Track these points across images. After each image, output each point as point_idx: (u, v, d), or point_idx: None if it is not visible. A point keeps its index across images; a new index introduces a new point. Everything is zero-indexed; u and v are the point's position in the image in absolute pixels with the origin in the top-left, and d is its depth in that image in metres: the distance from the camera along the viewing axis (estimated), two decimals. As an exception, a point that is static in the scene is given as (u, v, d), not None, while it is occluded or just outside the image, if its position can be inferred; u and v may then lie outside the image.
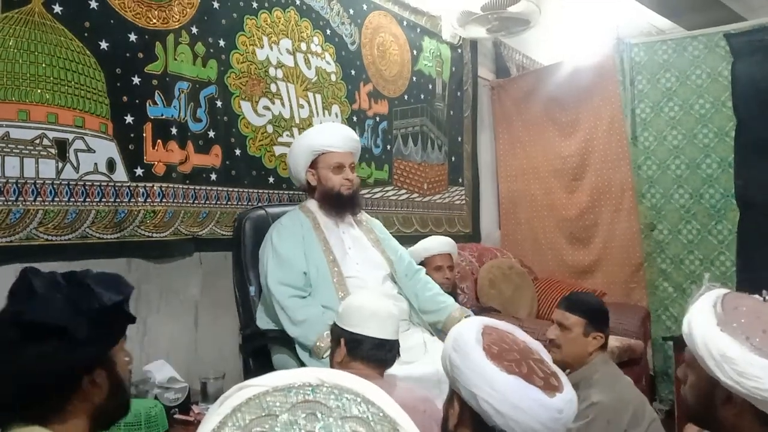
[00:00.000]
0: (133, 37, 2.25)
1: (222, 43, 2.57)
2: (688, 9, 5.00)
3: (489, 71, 4.43)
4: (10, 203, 1.92)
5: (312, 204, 2.42)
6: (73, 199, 2.07)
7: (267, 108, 2.76)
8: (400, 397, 1.37)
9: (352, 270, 2.28)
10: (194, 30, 2.46)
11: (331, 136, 2.40)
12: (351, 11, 3.23)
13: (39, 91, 2.00)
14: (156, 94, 2.31)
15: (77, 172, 2.09)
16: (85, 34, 2.12)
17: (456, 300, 2.60)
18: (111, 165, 2.18)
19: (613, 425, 1.84)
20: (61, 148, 2.05)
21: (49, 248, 1.99)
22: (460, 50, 4.06)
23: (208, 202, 2.50)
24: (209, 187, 2.51)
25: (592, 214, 3.98)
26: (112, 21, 2.20)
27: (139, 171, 2.25)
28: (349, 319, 1.72)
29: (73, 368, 1.06)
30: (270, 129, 2.77)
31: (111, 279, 1.14)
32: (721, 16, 4.70)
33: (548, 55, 4.64)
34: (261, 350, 2.31)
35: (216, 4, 2.56)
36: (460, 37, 3.98)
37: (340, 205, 2.38)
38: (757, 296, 1.15)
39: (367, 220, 2.55)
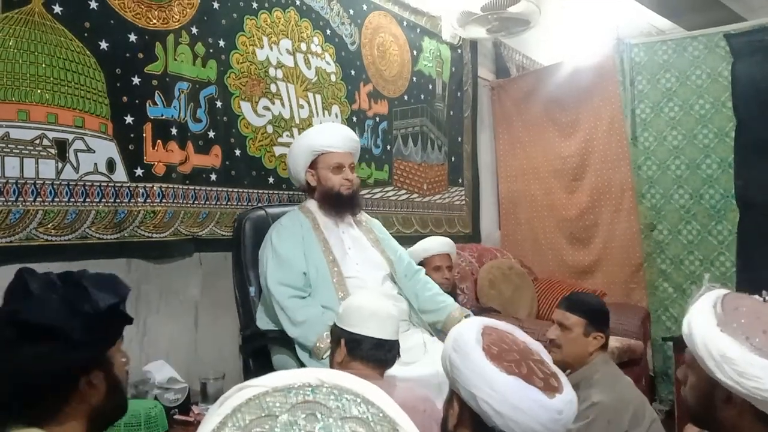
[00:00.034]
0: (133, 37, 2.25)
1: (222, 43, 2.57)
2: (688, 9, 5.00)
3: (489, 71, 4.43)
4: (9, 203, 1.92)
5: (312, 204, 2.42)
6: (72, 200, 2.07)
7: (267, 108, 2.76)
8: (400, 396, 1.37)
9: (352, 270, 2.28)
10: (194, 30, 2.46)
11: (331, 136, 2.40)
12: (351, 11, 3.23)
13: (39, 91, 2.00)
14: (156, 94, 2.31)
15: (77, 173, 2.09)
16: (85, 35, 2.12)
17: (456, 300, 2.60)
18: (111, 165, 2.18)
19: (613, 425, 1.84)
20: (61, 148, 2.05)
21: (49, 248, 1.99)
22: (460, 50, 4.06)
23: (208, 202, 2.50)
24: (209, 188, 2.51)
25: (592, 215, 3.98)
26: (112, 21, 2.20)
27: (139, 171, 2.25)
28: (348, 320, 1.72)
29: (70, 369, 1.06)
30: (270, 129, 2.77)
31: (107, 280, 1.14)
32: (721, 16, 4.70)
33: (548, 56, 4.64)
34: (261, 351, 2.30)
35: (216, 5, 2.56)
36: (460, 37, 3.98)
37: (339, 205, 2.37)
38: (757, 297, 1.15)
39: (366, 220, 2.55)
